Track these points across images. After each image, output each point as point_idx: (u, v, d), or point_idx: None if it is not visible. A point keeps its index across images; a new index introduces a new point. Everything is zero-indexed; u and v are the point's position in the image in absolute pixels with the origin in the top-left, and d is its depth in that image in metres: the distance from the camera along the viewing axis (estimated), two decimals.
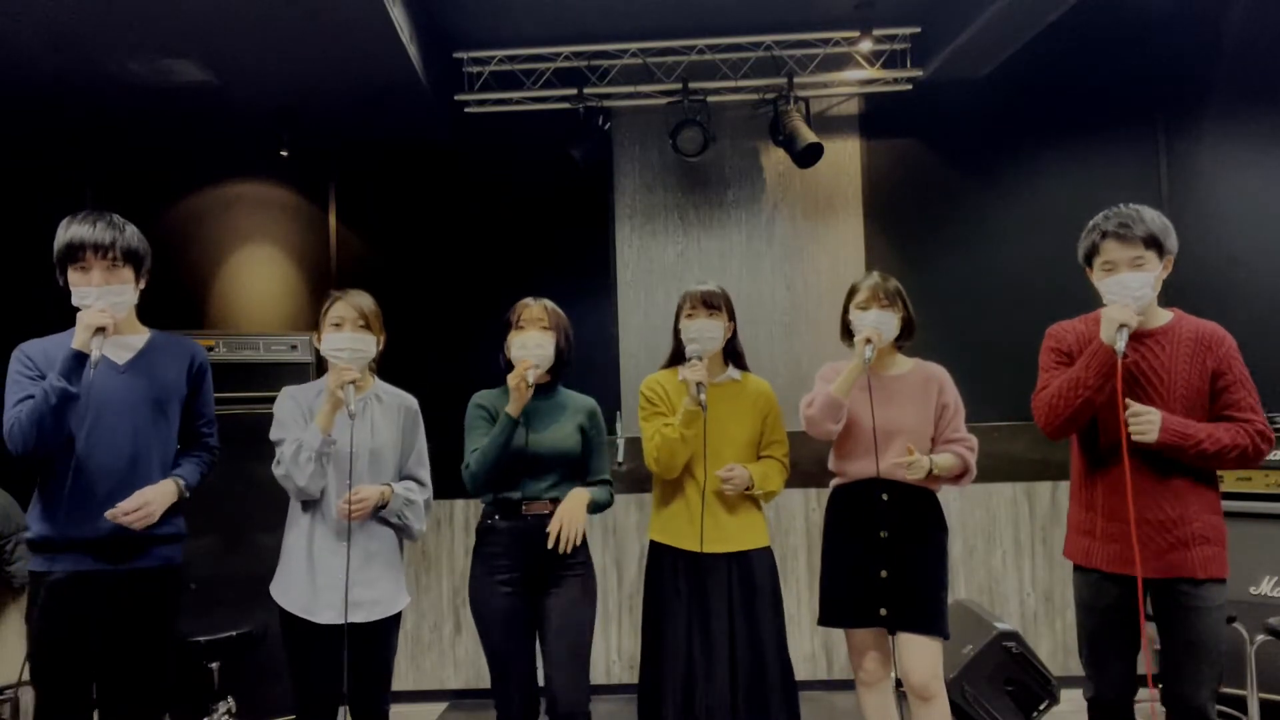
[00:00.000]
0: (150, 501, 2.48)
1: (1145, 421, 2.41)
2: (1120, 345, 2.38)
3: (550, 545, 2.70)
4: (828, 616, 2.99)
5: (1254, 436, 2.45)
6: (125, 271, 2.50)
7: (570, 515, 2.73)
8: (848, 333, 2.99)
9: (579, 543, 2.74)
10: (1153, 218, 2.48)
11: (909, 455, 2.81)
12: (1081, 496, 2.65)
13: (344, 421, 2.63)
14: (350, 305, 2.71)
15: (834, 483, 3.07)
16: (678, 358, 3.03)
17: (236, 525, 3.95)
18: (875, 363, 2.93)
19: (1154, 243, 2.46)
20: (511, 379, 2.68)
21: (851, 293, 2.99)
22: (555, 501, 2.79)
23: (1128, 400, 2.45)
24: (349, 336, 2.67)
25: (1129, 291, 2.44)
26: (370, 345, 2.72)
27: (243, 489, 3.91)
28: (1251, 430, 2.45)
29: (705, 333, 2.89)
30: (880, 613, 2.87)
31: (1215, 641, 2.47)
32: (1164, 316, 2.58)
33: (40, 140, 4.81)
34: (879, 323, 2.88)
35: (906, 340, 3.00)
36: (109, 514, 2.42)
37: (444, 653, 4.76)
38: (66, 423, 2.39)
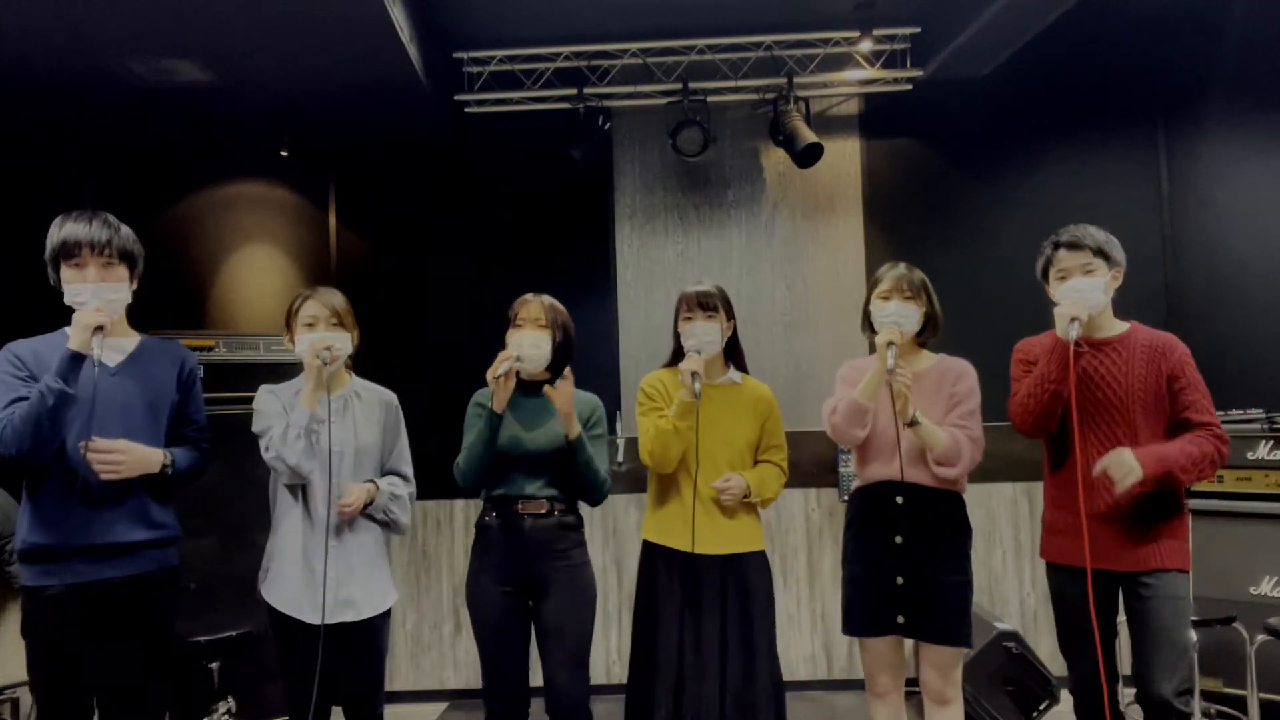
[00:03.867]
0: (128, 451, 2.40)
1: (1126, 470, 2.54)
2: (1073, 335, 2.58)
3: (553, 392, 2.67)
4: (848, 625, 2.89)
5: (1214, 441, 2.63)
6: (120, 269, 2.47)
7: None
8: (869, 323, 2.89)
9: (567, 397, 2.70)
10: (1099, 232, 2.73)
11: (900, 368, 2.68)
12: (1052, 497, 2.83)
13: (328, 418, 2.63)
14: (321, 303, 2.68)
15: (854, 485, 3.01)
16: (678, 358, 2.98)
17: (236, 525, 3.95)
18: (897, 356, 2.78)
19: (1102, 253, 2.69)
20: (489, 373, 2.68)
21: (875, 282, 2.89)
22: (550, 500, 2.78)
23: (1096, 464, 2.62)
24: (324, 335, 2.65)
25: (1080, 293, 2.67)
26: (346, 342, 2.70)
27: (242, 489, 3.91)
28: (1211, 435, 2.64)
29: (704, 336, 2.86)
30: (898, 620, 2.78)
31: (1179, 632, 2.61)
32: (1120, 327, 2.79)
33: (40, 140, 4.81)
34: (900, 315, 2.77)
35: (931, 337, 2.90)
36: (82, 444, 2.34)
37: (444, 653, 4.76)
38: (62, 425, 2.35)
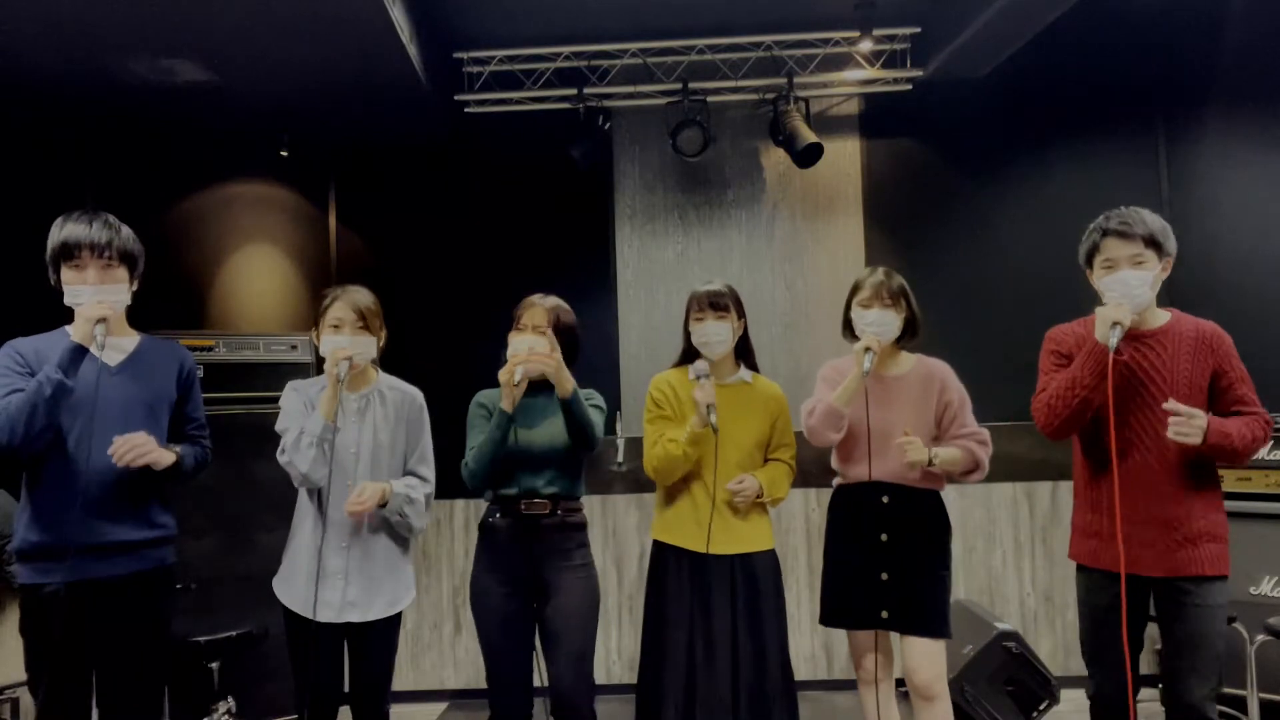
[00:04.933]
0: (148, 443, 2.41)
1: (1194, 426, 2.42)
2: (1113, 342, 2.42)
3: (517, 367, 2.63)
4: (829, 617, 2.98)
5: (1264, 427, 2.54)
6: (120, 271, 2.48)
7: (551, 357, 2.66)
8: (850, 329, 2.95)
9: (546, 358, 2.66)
10: (1153, 219, 2.54)
11: (906, 436, 2.76)
12: (1087, 498, 2.68)
13: (346, 419, 2.64)
14: (348, 305, 2.69)
15: (836, 483, 3.06)
16: (688, 357, 3.01)
17: (236, 525, 3.95)
18: (876, 363, 2.91)
19: (1153, 242, 2.52)
20: (501, 375, 2.68)
21: (855, 289, 2.93)
22: (552, 499, 2.78)
23: (1170, 401, 2.47)
24: (349, 339, 2.66)
25: (1128, 288, 2.49)
26: (370, 346, 2.71)
27: (243, 489, 3.91)
28: (1263, 421, 2.55)
29: (714, 335, 2.89)
30: (881, 615, 2.85)
31: (1215, 640, 2.50)
32: (1163, 317, 2.63)
33: (40, 140, 4.81)
34: (880, 324, 2.83)
35: (911, 339, 2.95)
36: (111, 449, 2.36)
37: (444, 653, 4.76)
38: (55, 418, 2.35)
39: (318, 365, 4.01)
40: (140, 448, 2.39)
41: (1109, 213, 2.58)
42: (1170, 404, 2.45)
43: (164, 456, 2.47)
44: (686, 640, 2.82)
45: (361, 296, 2.73)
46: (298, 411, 2.67)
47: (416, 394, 2.88)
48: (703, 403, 2.76)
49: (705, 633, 2.82)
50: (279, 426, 2.68)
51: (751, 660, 2.81)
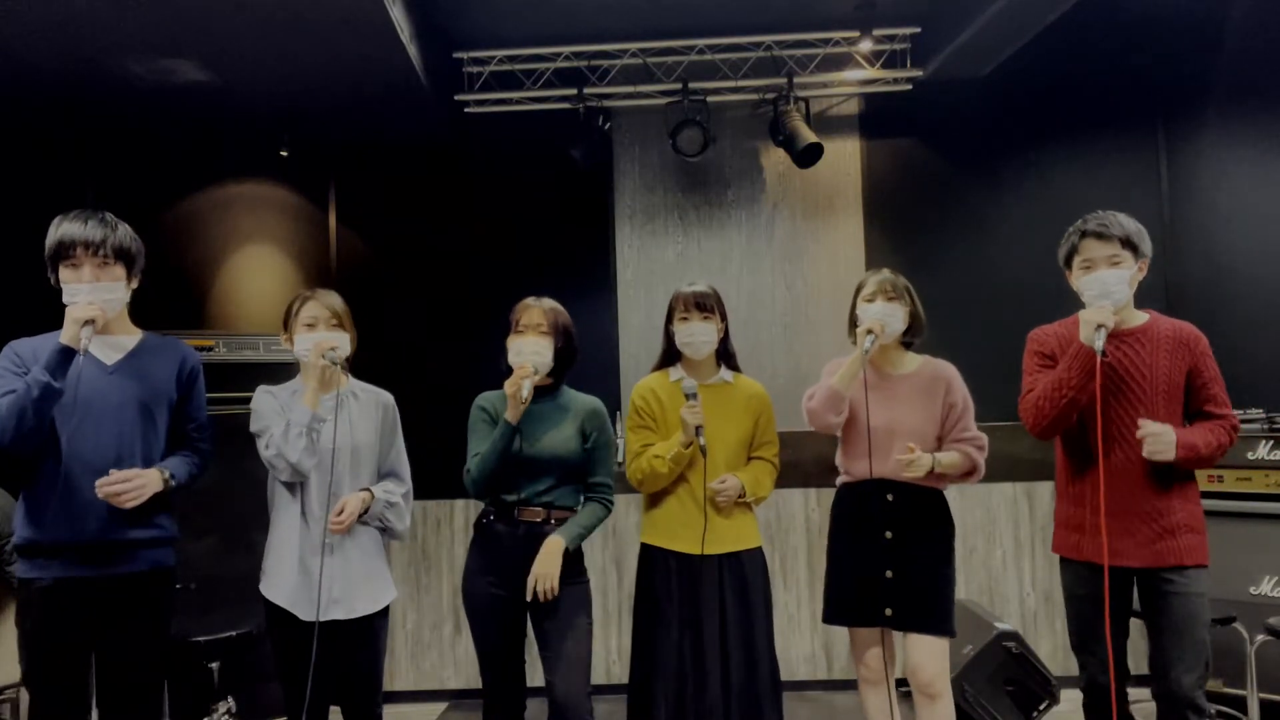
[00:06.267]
0: (140, 477, 2.41)
1: (1163, 444, 2.54)
2: (1099, 345, 2.51)
3: (529, 598, 2.66)
4: (831, 615, 2.98)
5: (1230, 432, 2.66)
6: (117, 269, 2.47)
7: (544, 572, 2.66)
8: (855, 328, 2.96)
9: (555, 592, 2.67)
10: (1129, 221, 2.65)
11: (909, 454, 2.80)
12: (1069, 493, 2.79)
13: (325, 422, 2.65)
14: (322, 305, 2.71)
15: (840, 480, 3.06)
16: (668, 359, 3.04)
17: (236, 525, 3.94)
18: (882, 361, 2.94)
19: (1130, 244, 2.62)
20: (508, 386, 2.67)
21: (859, 288, 2.98)
22: (549, 507, 2.76)
23: (1140, 420, 2.58)
24: (327, 335, 2.67)
25: (1106, 287, 2.58)
26: (345, 343, 2.71)
27: (242, 489, 3.90)
28: (1228, 426, 2.66)
29: (700, 336, 2.91)
30: (885, 613, 2.86)
31: (1199, 627, 2.58)
32: (1140, 317, 2.73)
33: (40, 140, 4.81)
34: (884, 314, 2.86)
35: (914, 337, 2.97)
36: (98, 483, 2.35)
37: (444, 653, 4.76)
38: (47, 418, 2.35)
39: None
40: (125, 494, 2.38)
41: (1086, 216, 2.70)
42: (1142, 424, 2.57)
43: (150, 487, 2.45)
44: (676, 642, 2.83)
45: (333, 298, 2.75)
46: (273, 413, 2.66)
47: (387, 396, 2.91)
48: (691, 424, 2.78)
49: (695, 633, 2.82)
50: (255, 426, 2.67)
51: (742, 660, 2.82)
